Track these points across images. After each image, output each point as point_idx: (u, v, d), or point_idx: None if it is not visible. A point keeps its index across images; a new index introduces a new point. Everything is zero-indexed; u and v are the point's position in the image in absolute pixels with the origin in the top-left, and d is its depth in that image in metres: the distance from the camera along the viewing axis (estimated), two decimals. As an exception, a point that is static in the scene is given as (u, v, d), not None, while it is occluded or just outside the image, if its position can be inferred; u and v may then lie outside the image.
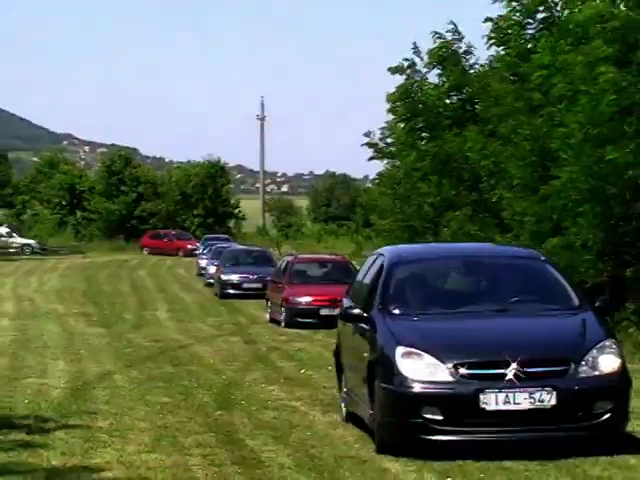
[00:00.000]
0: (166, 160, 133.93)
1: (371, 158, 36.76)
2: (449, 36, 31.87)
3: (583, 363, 10.64)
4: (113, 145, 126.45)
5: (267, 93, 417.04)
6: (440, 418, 10.46)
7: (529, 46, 27.52)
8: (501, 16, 28.43)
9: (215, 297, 39.69)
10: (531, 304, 12.13)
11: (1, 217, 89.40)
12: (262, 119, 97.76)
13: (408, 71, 32.50)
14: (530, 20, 28.17)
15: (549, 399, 10.38)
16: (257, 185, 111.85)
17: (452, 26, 31.96)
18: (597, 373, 10.67)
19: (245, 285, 38.76)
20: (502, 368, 10.51)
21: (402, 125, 33.99)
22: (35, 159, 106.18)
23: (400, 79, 32.79)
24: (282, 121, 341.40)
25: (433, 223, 30.74)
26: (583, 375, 10.62)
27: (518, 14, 28.26)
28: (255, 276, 38.95)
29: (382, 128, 35.59)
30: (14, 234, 77.08)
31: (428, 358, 10.71)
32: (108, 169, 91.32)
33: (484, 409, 10.38)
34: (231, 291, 38.71)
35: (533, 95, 24.96)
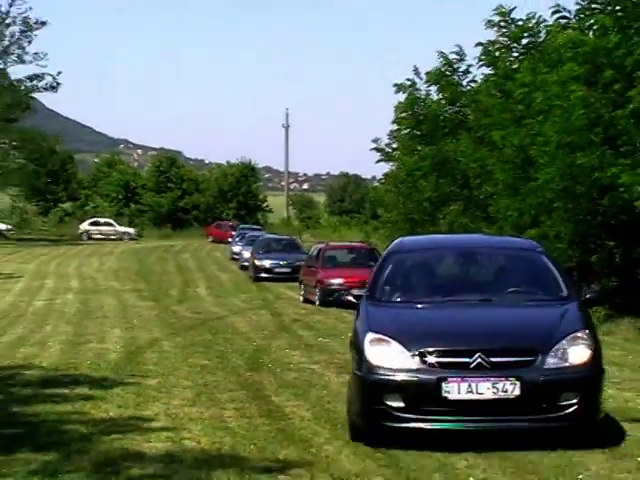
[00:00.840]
0: (206, 161, 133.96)
1: (378, 161, 36.84)
2: (452, 56, 31.84)
3: (552, 354, 9.14)
4: (162, 149, 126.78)
5: (292, 105, 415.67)
6: (402, 405, 9.10)
7: (514, 66, 27.50)
8: (490, 41, 28.42)
9: (247, 277, 39.67)
10: (518, 294, 10.64)
11: (67, 208, 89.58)
12: (287, 127, 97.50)
13: (410, 89, 32.53)
14: (515, 44, 28.14)
15: (512, 389, 8.97)
16: (282, 183, 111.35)
17: (457, 48, 31.91)
18: (565, 364, 9.16)
19: (276, 270, 37.69)
20: (467, 357, 9.13)
21: (405, 132, 33.98)
22: (96, 160, 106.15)
23: (403, 95, 32.83)
24: (304, 128, 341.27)
25: (431, 216, 30.72)
26: (550, 366, 9.09)
27: (506, 39, 28.23)
28: (285, 262, 37.98)
29: (388, 135, 35.63)
30: (115, 224, 78.13)
31: (395, 345, 9.33)
32: (157, 169, 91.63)
33: (446, 398, 9.01)
34: (264, 275, 37.65)
35: (516, 108, 24.95)
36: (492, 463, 8.83)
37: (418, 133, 32.92)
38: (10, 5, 74.60)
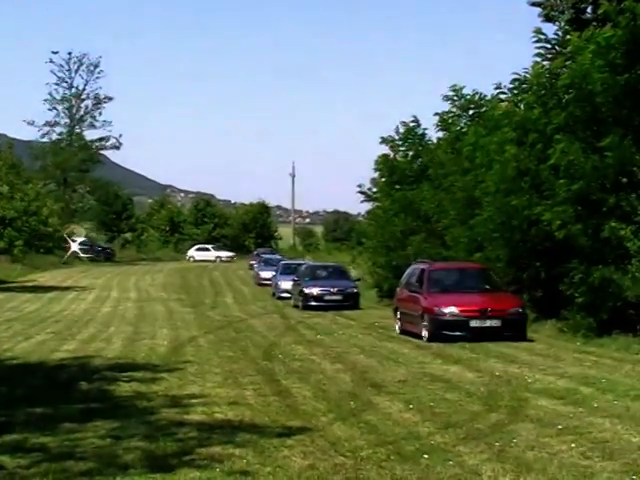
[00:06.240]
0: (232, 201, 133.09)
1: (363, 201, 36.77)
2: (413, 124, 32.18)
3: None
4: (198, 192, 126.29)
5: (296, 154, 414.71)
6: None
7: (463, 130, 27.59)
8: (445, 111, 28.58)
9: (263, 288, 38.62)
10: None
11: (128, 237, 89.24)
12: (293, 176, 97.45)
13: (391, 143, 32.81)
14: (464, 114, 28.28)
15: None
16: (289, 218, 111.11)
17: (413, 118, 32.27)
18: None
19: (327, 297, 28.03)
20: None
21: (382, 180, 34.02)
22: (150, 201, 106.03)
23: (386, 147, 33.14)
24: (306, 176, 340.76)
25: (401, 243, 30.61)
26: None
27: (456, 110, 28.40)
28: (335, 289, 28.43)
29: (370, 181, 35.68)
30: (212, 249, 74.87)
31: None
32: (195, 208, 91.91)
33: None
34: (313, 303, 27.77)
35: (464, 162, 25.00)
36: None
37: (392, 181, 32.92)
38: (85, 84, 75.17)
